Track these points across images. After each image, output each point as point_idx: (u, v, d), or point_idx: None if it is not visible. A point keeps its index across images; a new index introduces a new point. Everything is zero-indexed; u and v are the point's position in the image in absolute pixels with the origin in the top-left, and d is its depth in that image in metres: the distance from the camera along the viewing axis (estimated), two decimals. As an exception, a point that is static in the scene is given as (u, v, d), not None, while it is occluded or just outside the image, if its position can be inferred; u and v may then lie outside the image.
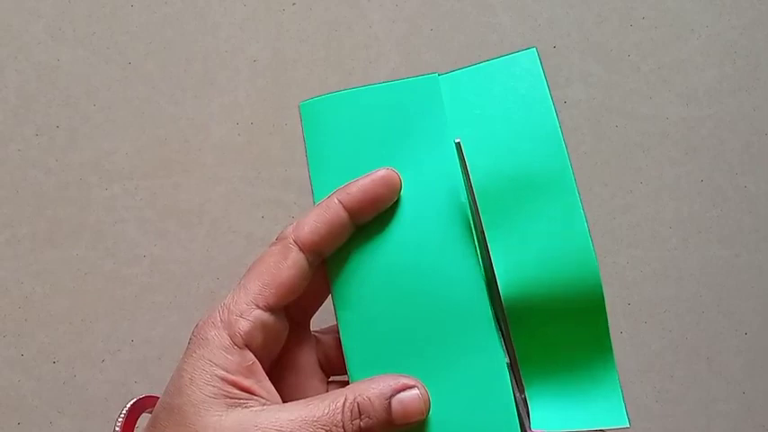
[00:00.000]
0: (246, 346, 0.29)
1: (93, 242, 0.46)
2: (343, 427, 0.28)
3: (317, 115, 0.34)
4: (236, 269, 0.46)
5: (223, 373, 0.28)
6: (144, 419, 0.32)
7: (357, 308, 0.32)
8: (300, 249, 0.31)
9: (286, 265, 0.30)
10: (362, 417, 0.28)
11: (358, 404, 0.29)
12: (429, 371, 0.30)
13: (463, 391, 0.30)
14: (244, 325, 0.29)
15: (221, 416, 0.27)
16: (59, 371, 0.45)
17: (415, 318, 0.31)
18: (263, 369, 0.30)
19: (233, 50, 0.47)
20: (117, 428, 0.31)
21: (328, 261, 0.32)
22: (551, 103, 0.33)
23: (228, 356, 0.29)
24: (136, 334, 0.45)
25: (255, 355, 0.30)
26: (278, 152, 0.46)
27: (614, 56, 0.47)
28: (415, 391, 0.29)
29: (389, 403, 0.29)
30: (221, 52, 0.47)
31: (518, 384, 0.30)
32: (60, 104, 0.47)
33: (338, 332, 0.32)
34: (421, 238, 0.32)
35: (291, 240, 0.31)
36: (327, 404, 0.28)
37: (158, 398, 0.32)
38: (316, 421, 0.28)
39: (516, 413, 0.29)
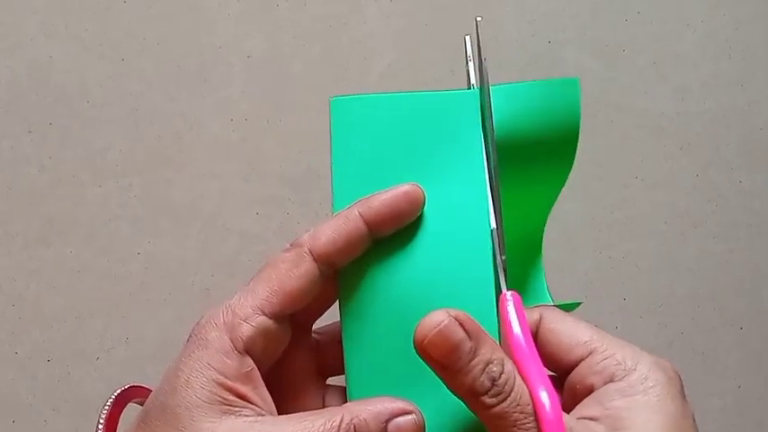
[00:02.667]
0: (247, 351, 0.29)
1: (87, 240, 0.46)
2: None
3: (347, 115, 0.33)
4: (231, 266, 0.46)
5: (221, 378, 0.28)
6: (129, 410, 0.31)
7: (364, 323, 0.31)
8: (314, 259, 0.30)
9: (298, 273, 0.30)
10: None
11: (354, 426, 0.28)
12: (428, 399, 0.30)
13: (459, 424, 0.30)
14: (247, 330, 0.29)
15: (214, 422, 0.27)
16: (54, 369, 0.45)
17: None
18: (261, 374, 0.29)
19: (227, 46, 0.47)
20: (102, 418, 0.30)
21: (340, 271, 0.31)
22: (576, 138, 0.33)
23: (228, 361, 0.28)
24: (130, 332, 0.45)
25: (254, 361, 0.29)
26: (273, 148, 0.46)
27: (609, 51, 0.47)
28: (411, 417, 0.29)
29: (386, 427, 0.28)
30: (215, 48, 0.47)
31: (500, 248, 0.31)
32: (53, 101, 0.47)
33: (340, 338, 0.31)
34: (438, 259, 0.31)
35: (307, 249, 0.30)
36: (323, 422, 0.28)
37: (144, 388, 0.32)
38: None
39: None
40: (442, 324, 0.26)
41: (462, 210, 0.31)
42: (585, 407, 0.28)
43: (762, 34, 0.47)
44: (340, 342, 0.31)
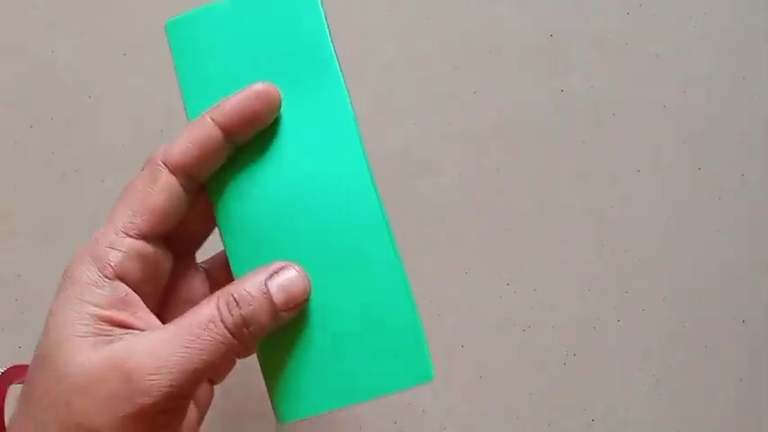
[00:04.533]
0: (119, 277, 0.27)
1: (89, 234, 0.46)
2: (223, 320, 0.26)
3: (187, 33, 0.32)
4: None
5: (94, 309, 0.26)
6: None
7: (242, 228, 0.30)
8: (171, 172, 0.28)
9: (156, 189, 0.28)
10: (240, 306, 0.26)
11: (232, 295, 0.27)
12: (317, 272, 0.29)
13: (354, 286, 0.30)
14: (114, 256, 0.27)
15: (90, 354, 0.25)
16: (57, 363, 0.45)
17: (303, 230, 0.30)
18: (148, 305, 0.28)
19: (228, 41, 0.47)
20: None
21: (209, 184, 0.30)
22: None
23: (98, 291, 0.26)
24: (133, 326, 0.45)
25: (135, 289, 0.27)
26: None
27: (611, 44, 0.47)
28: (291, 271, 0.28)
29: (266, 287, 0.27)
30: (216, 43, 0.47)
31: None
32: (55, 96, 0.47)
33: (225, 260, 0.30)
34: (305, 153, 0.30)
35: (160, 162, 0.29)
36: (200, 307, 0.27)
37: (27, 366, 0.30)
38: (191, 326, 0.26)
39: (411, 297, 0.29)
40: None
41: (324, 109, 0.30)
42: None
43: (764, 26, 0.47)
44: (228, 266, 0.30)
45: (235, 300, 0.27)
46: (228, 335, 0.26)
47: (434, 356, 0.30)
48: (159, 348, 0.25)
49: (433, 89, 0.47)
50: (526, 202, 0.45)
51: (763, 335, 0.45)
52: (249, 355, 0.28)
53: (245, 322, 0.26)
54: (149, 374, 0.25)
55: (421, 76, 0.47)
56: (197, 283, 0.32)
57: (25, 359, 0.45)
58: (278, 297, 0.27)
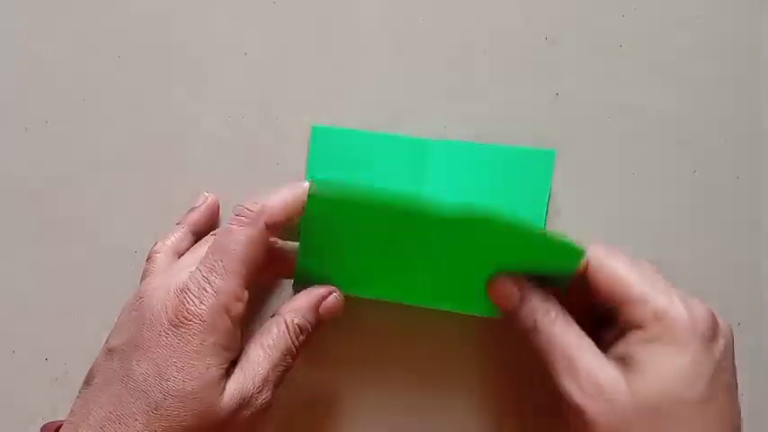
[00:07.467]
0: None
1: (85, 238, 0.46)
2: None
3: (325, 143, 0.40)
4: (229, 264, 0.45)
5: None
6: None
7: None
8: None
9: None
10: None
11: (298, 326, 0.34)
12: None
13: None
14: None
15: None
16: (51, 368, 0.45)
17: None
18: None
19: (223, 43, 0.47)
20: None
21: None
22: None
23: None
24: (128, 330, 0.45)
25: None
26: (270, 146, 0.46)
27: (606, 47, 0.47)
28: (335, 295, 0.35)
29: (318, 312, 0.35)
30: (211, 45, 0.47)
31: None
32: (49, 99, 0.47)
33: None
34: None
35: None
36: (273, 335, 0.34)
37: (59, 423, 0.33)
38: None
39: None
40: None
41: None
42: (615, 347, 0.32)
43: (760, 30, 0.47)
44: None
45: (300, 331, 0.35)
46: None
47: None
48: None
49: (428, 92, 0.47)
50: (522, 205, 0.45)
51: (760, 338, 0.45)
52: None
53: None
54: None
55: (415, 78, 0.47)
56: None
57: (19, 364, 0.45)
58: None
